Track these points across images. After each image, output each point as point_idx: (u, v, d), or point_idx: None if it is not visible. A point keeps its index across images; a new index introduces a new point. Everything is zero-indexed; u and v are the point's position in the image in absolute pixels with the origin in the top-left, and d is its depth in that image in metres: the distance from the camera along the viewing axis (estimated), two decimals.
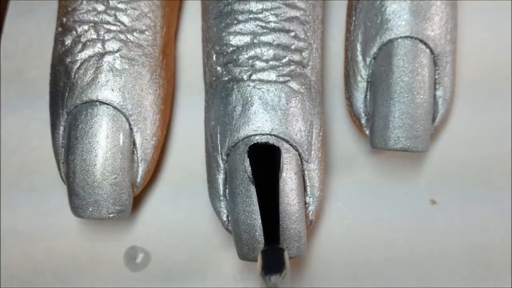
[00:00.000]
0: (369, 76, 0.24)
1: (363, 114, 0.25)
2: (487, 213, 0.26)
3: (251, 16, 0.23)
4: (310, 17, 0.24)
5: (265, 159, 0.22)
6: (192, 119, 0.27)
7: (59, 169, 0.24)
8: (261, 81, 0.23)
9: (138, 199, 0.26)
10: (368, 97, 0.24)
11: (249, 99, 0.22)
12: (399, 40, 0.23)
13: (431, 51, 0.24)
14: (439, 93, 0.24)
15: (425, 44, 0.24)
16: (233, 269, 0.26)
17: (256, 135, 0.22)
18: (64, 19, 0.24)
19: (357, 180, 0.26)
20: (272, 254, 0.19)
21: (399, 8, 0.24)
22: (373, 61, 0.24)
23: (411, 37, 0.23)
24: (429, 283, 0.25)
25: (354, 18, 0.25)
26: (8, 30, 0.29)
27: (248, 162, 0.22)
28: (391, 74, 0.23)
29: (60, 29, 0.24)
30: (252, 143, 0.22)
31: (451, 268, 0.25)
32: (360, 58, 0.24)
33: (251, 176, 0.22)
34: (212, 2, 0.24)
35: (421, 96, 0.23)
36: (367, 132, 0.25)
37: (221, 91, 0.23)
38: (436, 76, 0.24)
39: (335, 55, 0.27)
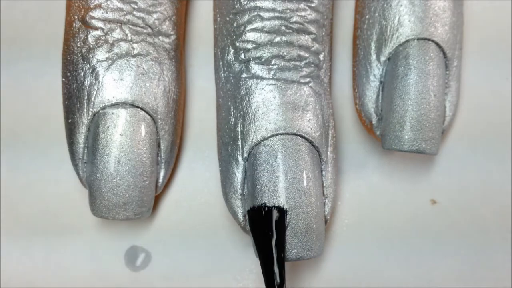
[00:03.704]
0: (383, 76, 0.24)
1: (374, 114, 0.24)
2: (487, 213, 0.26)
3: (276, 14, 0.23)
4: (327, 21, 0.24)
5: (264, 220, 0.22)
6: (194, 119, 0.27)
7: (76, 168, 0.24)
8: (285, 80, 0.23)
9: None
10: (380, 97, 0.24)
11: (274, 98, 0.22)
12: (416, 41, 0.23)
13: (444, 54, 0.24)
14: (447, 97, 0.24)
15: (440, 47, 0.24)
16: (234, 269, 0.26)
17: (283, 134, 0.22)
18: (87, 16, 0.23)
19: (357, 180, 0.26)
20: None
21: (417, 9, 0.24)
22: (387, 60, 0.24)
23: (428, 39, 0.23)
24: (429, 283, 0.25)
25: (367, 17, 0.25)
26: (3, 27, 0.28)
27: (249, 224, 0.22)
28: (409, 75, 0.23)
29: (79, 24, 0.23)
30: (253, 207, 0.22)
31: (451, 268, 0.25)
32: (373, 57, 0.24)
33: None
34: None
35: (437, 99, 0.23)
36: (378, 132, 0.24)
37: (240, 88, 0.23)
38: (446, 80, 0.24)
39: (335, 55, 0.27)
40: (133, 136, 0.22)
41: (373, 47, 0.24)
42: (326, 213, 0.23)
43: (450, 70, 0.24)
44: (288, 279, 0.25)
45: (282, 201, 0.21)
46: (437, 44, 0.23)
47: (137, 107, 0.23)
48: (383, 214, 0.26)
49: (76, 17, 0.24)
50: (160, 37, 0.24)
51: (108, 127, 0.22)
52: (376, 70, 0.24)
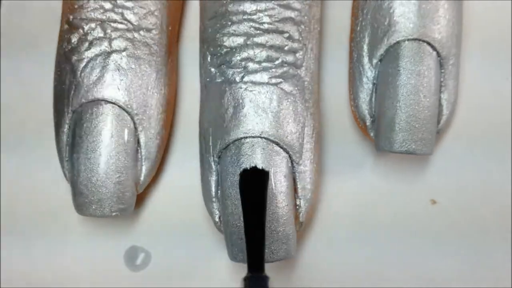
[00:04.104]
0: (375, 78, 0.24)
1: (368, 116, 0.25)
2: (487, 213, 0.26)
3: (245, 17, 0.23)
4: (306, 17, 0.24)
5: (254, 184, 0.21)
6: (192, 119, 0.27)
7: (62, 167, 0.24)
8: (253, 83, 0.23)
9: (138, 199, 0.26)
10: (373, 99, 0.24)
11: (240, 101, 0.22)
12: (407, 42, 0.23)
13: (438, 53, 0.24)
14: (444, 96, 0.24)
15: (432, 46, 0.23)
16: (233, 269, 0.26)
17: (246, 137, 0.22)
18: (71, 17, 0.24)
19: (357, 181, 0.26)
20: (256, 283, 0.20)
21: (407, 10, 0.23)
22: (379, 62, 0.24)
23: (419, 40, 0.23)
24: (429, 283, 0.25)
25: (360, 19, 0.25)
26: (4, 28, 0.29)
27: (239, 187, 0.22)
28: (398, 76, 0.23)
29: (66, 26, 0.24)
30: (244, 168, 0.22)
31: (451, 268, 0.25)
32: (366, 59, 0.24)
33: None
34: (208, 2, 0.24)
35: (428, 99, 0.23)
36: (372, 134, 0.25)
37: (214, 93, 0.23)
38: (442, 79, 0.24)
39: (335, 56, 0.27)
40: (105, 131, 0.23)
41: (365, 50, 0.24)
42: (300, 215, 0.23)
43: (446, 68, 0.24)
44: (287, 279, 0.25)
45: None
46: (429, 43, 0.23)
47: (112, 103, 0.23)
48: (383, 215, 0.26)
49: (65, 19, 0.24)
50: (141, 32, 0.24)
51: (83, 124, 0.23)
52: (369, 72, 0.24)
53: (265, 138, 0.22)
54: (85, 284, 0.26)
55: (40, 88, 0.27)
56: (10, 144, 0.27)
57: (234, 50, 0.23)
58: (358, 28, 0.25)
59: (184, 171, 0.26)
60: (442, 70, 0.24)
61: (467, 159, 0.26)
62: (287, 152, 0.22)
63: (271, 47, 0.23)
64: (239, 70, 0.23)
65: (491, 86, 0.27)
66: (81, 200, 0.23)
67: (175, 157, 0.27)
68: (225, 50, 0.23)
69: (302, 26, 0.23)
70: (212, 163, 0.23)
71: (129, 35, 0.24)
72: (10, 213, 0.26)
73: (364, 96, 0.24)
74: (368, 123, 0.25)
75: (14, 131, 0.27)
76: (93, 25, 0.23)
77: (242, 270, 0.25)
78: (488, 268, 0.25)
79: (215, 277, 0.25)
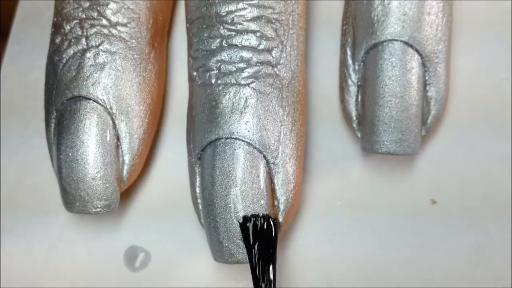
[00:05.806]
0: (359, 80, 0.24)
1: (354, 118, 0.25)
2: (487, 213, 0.26)
3: (218, 19, 0.23)
4: (282, 14, 0.23)
5: (259, 236, 0.22)
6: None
7: (52, 165, 0.24)
8: (226, 84, 0.23)
9: (138, 199, 0.26)
10: (359, 100, 0.25)
11: (214, 103, 0.23)
12: (384, 43, 0.23)
13: (419, 53, 0.23)
14: (430, 94, 0.24)
15: (411, 46, 0.23)
16: (233, 269, 0.26)
17: (220, 138, 0.22)
18: (55, 19, 0.24)
19: (357, 180, 0.26)
20: None
21: (385, 11, 0.23)
22: (362, 64, 0.24)
23: (396, 40, 0.23)
24: (429, 283, 0.25)
25: (345, 22, 0.25)
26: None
27: (244, 238, 0.22)
28: (376, 78, 0.23)
29: (53, 29, 0.24)
30: (246, 220, 0.22)
31: (451, 268, 0.25)
32: (350, 62, 0.24)
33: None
34: (188, 7, 0.24)
35: (407, 100, 0.23)
36: (359, 135, 0.25)
37: (196, 96, 0.23)
38: (427, 77, 0.24)
39: (335, 56, 0.27)
40: (82, 128, 0.23)
41: (349, 53, 0.25)
42: (279, 215, 0.23)
43: (430, 66, 0.24)
44: (288, 278, 0.25)
45: (214, 207, 0.22)
46: (406, 43, 0.23)
47: (88, 98, 0.23)
48: (382, 214, 0.26)
49: (52, 24, 0.24)
50: (117, 27, 0.24)
51: (63, 122, 0.23)
52: (353, 75, 0.24)
53: (237, 139, 0.22)
54: (85, 284, 0.26)
55: (42, 88, 0.27)
56: (11, 144, 0.27)
57: (209, 53, 0.23)
58: (344, 31, 0.25)
59: (185, 170, 0.26)
60: (426, 69, 0.24)
61: (467, 158, 0.26)
62: (261, 152, 0.22)
63: (244, 47, 0.23)
64: (214, 72, 0.23)
65: (491, 86, 0.27)
66: (66, 198, 0.23)
67: (175, 156, 0.27)
68: (202, 53, 0.23)
69: (278, 24, 0.23)
70: (194, 165, 0.23)
71: (105, 31, 0.24)
72: (10, 213, 0.26)
73: (350, 99, 0.25)
74: (354, 124, 0.25)
75: (15, 131, 0.27)
76: (72, 24, 0.24)
77: (242, 269, 0.25)
78: (488, 268, 0.25)
79: (215, 277, 0.25)
